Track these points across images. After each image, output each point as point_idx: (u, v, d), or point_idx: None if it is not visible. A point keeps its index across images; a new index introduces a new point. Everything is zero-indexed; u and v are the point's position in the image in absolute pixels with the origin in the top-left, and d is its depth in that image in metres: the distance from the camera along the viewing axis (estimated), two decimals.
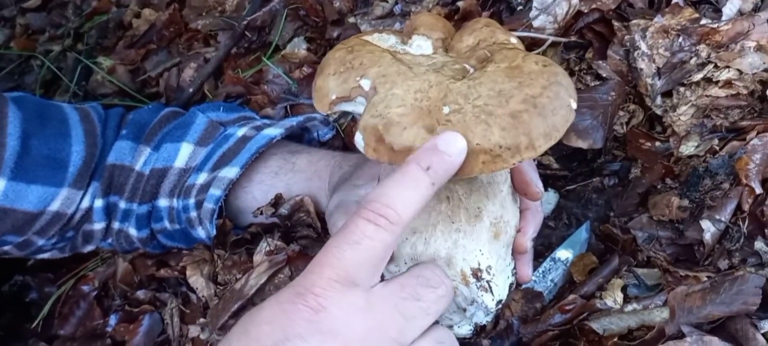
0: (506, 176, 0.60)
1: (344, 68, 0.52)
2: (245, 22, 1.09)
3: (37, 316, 0.92)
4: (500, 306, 0.64)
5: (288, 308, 0.47)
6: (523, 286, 0.70)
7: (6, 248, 0.83)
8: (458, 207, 0.59)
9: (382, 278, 0.63)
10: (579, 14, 0.83)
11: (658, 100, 0.73)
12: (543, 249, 0.74)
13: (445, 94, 0.49)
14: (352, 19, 1.02)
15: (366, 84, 0.51)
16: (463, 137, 0.46)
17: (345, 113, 0.56)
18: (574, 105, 0.49)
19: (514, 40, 0.55)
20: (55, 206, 0.81)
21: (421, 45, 0.55)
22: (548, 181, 0.80)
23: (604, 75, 0.79)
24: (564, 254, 0.73)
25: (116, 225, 0.87)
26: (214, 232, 0.78)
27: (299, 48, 1.05)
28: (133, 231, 0.86)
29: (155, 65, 1.13)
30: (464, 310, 0.63)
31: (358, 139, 0.51)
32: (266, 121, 0.90)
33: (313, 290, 0.47)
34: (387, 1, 1.00)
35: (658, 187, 0.69)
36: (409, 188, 0.47)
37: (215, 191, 0.78)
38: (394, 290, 0.50)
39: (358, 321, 0.47)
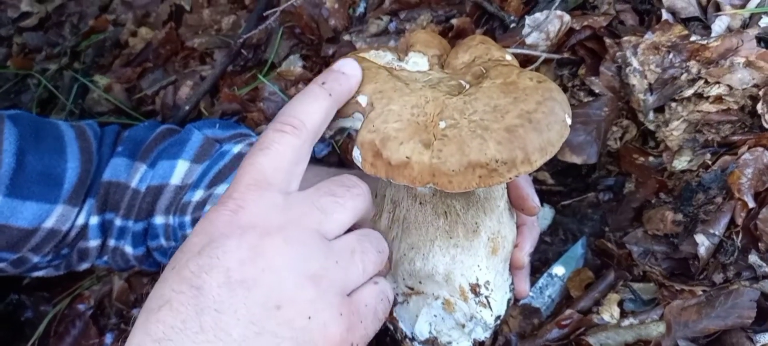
0: (503, 192, 0.60)
1: None
2: (241, 41, 1.10)
3: (33, 335, 0.92)
4: (499, 322, 0.64)
5: (211, 216, 0.52)
6: (521, 302, 0.71)
7: (1, 265, 0.82)
8: (456, 222, 0.59)
9: None
10: (571, 31, 0.85)
11: (651, 115, 0.74)
12: (540, 265, 0.74)
13: (441, 109, 0.50)
14: (347, 37, 1.03)
15: (363, 100, 0.52)
16: (355, 61, 0.55)
17: (342, 130, 0.56)
18: (568, 120, 0.50)
19: (508, 57, 0.55)
20: (49, 223, 0.80)
21: (417, 61, 0.56)
22: (544, 196, 0.81)
23: (597, 91, 0.80)
24: (560, 269, 0.73)
25: (112, 242, 0.86)
26: None
27: (295, 65, 1.06)
28: (129, 249, 0.86)
29: (151, 83, 1.14)
30: (463, 326, 0.63)
31: (356, 155, 0.51)
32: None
33: (232, 195, 0.52)
34: (381, 19, 1.01)
35: (652, 201, 0.70)
36: (309, 101, 0.55)
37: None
38: (310, 191, 0.54)
39: (276, 215, 0.52)
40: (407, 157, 0.49)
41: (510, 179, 0.48)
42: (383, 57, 0.56)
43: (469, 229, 0.59)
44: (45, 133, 0.83)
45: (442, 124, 0.49)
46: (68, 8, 1.44)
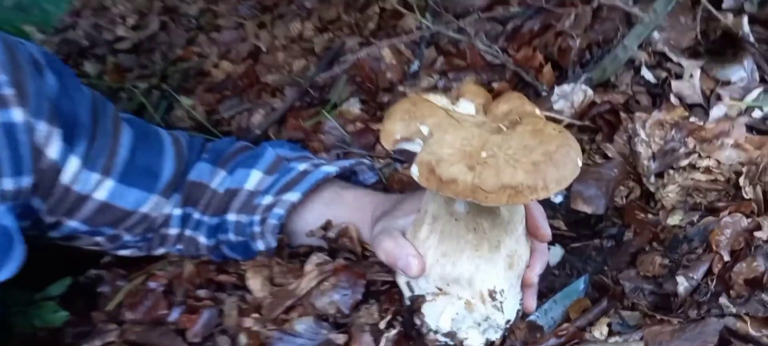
0: (522, 218, 0.75)
1: (408, 116, 0.69)
2: (310, 82, 1.29)
3: (106, 306, 1.07)
4: (508, 326, 0.78)
5: None
6: (528, 318, 0.84)
7: (99, 239, 0.99)
8: (483, 238, 0.74)
9: (411, 289, 0.78)
10: (593, 103, 1.01)
11: (652, 179, 0.88)
12: (547, 292, 0.88)
13: (484, 143, 0.65)
14: (401, 88, 1.21)
15: (424, 129, 0.68)
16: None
17: (405, 151, 0.71)
18: (579, 163, 0.65)
19: (538, 112, 0.71)
20: (145, 209, 0.97)
21: (466, 106, 0.72)
22: (557, 239, 0.95)
23: (610, 155, 0.95)
24: (564, 297, 0.86)
25: (188, 232, 1.03)
26: (275, 244, 0.94)
27: (354, 107, 1.23)
28: (202, 239, 1.02)
29: (229, 108, 1.32)
30: (479, 325, 0.77)
31: (414, 170, 0.67)
32: (323, 160, 1.07)
33: None
34: (432, 77, 1.19)
35: (646, 249, 0.83)
36: None
37: (279, 210, 0.95)
38: None
39: None
40: (455, 176, 0.64)
41: (531, 199, 0.63)
42: (440, 100, 0.73)
43: (492, 244, 0.74)
44: (150, 136, 1.01)
45: (484, 154, 0.65)
46: (159, 37, 1.66)
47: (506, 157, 0.64)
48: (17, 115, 0.78)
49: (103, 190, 0.91)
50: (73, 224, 0.92)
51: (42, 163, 0.83)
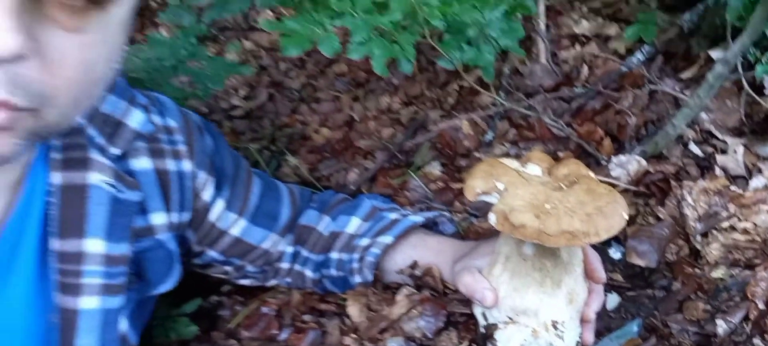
0: (580, 262, 0.91)
1: (487, 175, 0.88)
2: (397, 147, 1.50)
3: (226, 326, 1.29)
4: None
5: None
6: None
7: (228, 268, 1.21)
8: (546, 276, 0.90)
9: (485, 318, 0.94)
10: (647, 173, 1.16)
11: (698, 238, 1.02)
12: (604, 331, 1.02)
13: (547, 197, 0.83)
14: (477, 155, 1.40)
15: (500, 186, 0.86)
16: None
17: (484, 202, 0.90)
18: (625, 215, 0.82)
19: (592, 175, 0.89)
20: (266, 245, 1.18)
21: (533, 169, 0.90)
22: (615, 288, 1.09)
23: (661, 217, 1.09)
24: (618, 337, 1.00)
25: (297, 267, 1.23)
26: (371, 278, 1.13)
27: (435, 169, 1.43)
28: (308, 273, 1.23)
29: (328, 167, 1.55)
30: None
31: (491, 217, 0.85)
32: (409, 212, 1.27)
33: None
34: (505, 146, 1.38)
35: (692, 297, 0.97)
36: None
37: (375, 250, 1.14)
38: None
39: None
40: (524, 222, 0.82)
41: (585, 243, 0.79)
42: (512, 163, 0.91)
43: (554, 282, 0.90)
44: (272, 186, 1.23)
45: (547, 206, 0.82)
46: (267, 107, 1.93)
47: (565, 209, 0.81)
48: (187, 165, 1.02)
49: (237, 227, 1.14)
50: (212, 253, 1.15)
51: (198, 203, 1.06)
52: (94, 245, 0.86)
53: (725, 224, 0.99)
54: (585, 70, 1.55)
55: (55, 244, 0.83)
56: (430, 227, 1.22)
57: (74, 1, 0.56)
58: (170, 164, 0.98)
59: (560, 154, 1.24)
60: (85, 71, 0.61)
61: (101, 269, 0.87)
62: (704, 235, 1.02)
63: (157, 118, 0.98)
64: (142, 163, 0.94)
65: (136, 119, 0.92)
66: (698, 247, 1.02)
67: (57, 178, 0.83)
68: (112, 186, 0.86)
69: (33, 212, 0.82)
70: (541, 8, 1.61)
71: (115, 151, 0.89)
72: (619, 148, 1.25)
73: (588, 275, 0.93)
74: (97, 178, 0.85)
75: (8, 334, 0.84)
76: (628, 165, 1.15)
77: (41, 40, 0.56)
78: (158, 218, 0.97)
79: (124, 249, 0.90)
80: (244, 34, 2.38)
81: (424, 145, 1.48)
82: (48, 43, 0.57)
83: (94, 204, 0.85)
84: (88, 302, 0.86)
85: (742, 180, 1.07)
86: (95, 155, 0.85)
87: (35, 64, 0.56)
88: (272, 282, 1.27)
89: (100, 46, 0.62)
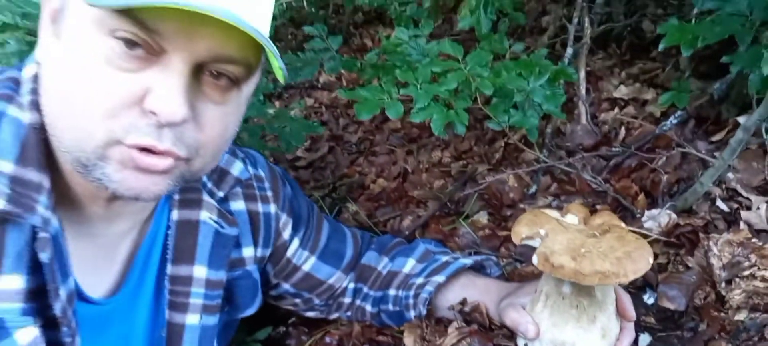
0: (612, 301, 1.03)
1: (531, 223, 1.02)
2: (448, 197, 1.66)
3: None
4: None
5: None
6: None
7: (297, 300, 1.37)
8: (583, 313, 1.03)
9: None
10: (677, 225, 1.28)
11: (723, 285, 1.13)
12: None
13: (583, 243, 0.97)
14: (521, 206, 1.55)
15: (542, 232, 1.01)
16: None
17: (528, 246, 1.04)
18: (651, 260, 0.95)
19: (622, 225, 1.02)
20: (332, 280, 1.35)
21: (571, 219, 1.05)
22: (647, 329, 1.20)
23: (690, 265, 1.21)
24: None
25: (358, 302, 1.39)
26: (425, 313, 1.28)
27: (483, 218, 1.58)
28: (368, 307, 1.38)
29: (384, 214, 1.71)
30: None
31: (535, 259, 0.99)
32: (459, 255, 1.41)
33: None
34: (547, 198, 1.52)
35: (716, 337, 1.07)
36: None
37: (429, 288, 1.28)
38: None
39: None
40: (562, 263, 0.96)
41: (614, 283, 0.93)
42: (553, 213, 1.06)
43: (590, 318, 1.02)
44: (338, 229, 1.40)
45: (583, 250, 0.96)
46: (328, 158, 2.13)
47: (598, 253, 0.95)
48: (272, 208, 1.20)
49: (309, 263, 1.31)
50: (286, 286, 1.32)
51: (279, 241, 1.24)
52: (200, 271, 1.04)
53: (747, 273, 1.10)
54: (622, 131, 1.69)
55: (170, 269, 1.02)
56: (478, 269, 1.36)
57: (221, 83, 0.77)
58: (260, 207, 1.17)
59: (598, 207, 1.37)
60: (222, 132, 0.81)
61: (203, 291, 1.05)
62: (728, 282, 1.12)
63: (250, 168, 1.17)
64: (238, 205, 1.13)
65: (236, 168, 1.12)
66: (723, 293, 1.13)
67: (175, 215, 1.02)
68: (217, 223, 1.05)
69: (157, 241, 1.01)
70: (582, 74, 1.77)
71: (220, 193, 1.08)
72: (652, 202, 1.37)
73: (620, 313, 1.05)
74: (206, 215, 1.04)
75: None
76: (659, 218, 1.28)
77: (197, 109, 0.76)
78: (248, 252, 1.15)
79: (221, 275, 1.08)
80: (307, 92, 2.62)
81: (472, 196, 1.64)
82: (201, 112, 0.77)
83: (203, 237, 1.03)
84: (192, 319, 1.04)
85: (764, 234, 1.18)
86: (205, 197, 1.04)
87: (192, 126, 0.76)
88: (335, 315, 1.42)
89: (234, 115, 0.82)
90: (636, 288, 1.27)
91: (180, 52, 0.72)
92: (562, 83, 1.55)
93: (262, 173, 1.20)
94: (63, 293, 0.80)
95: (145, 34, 0.70)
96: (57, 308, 0.79)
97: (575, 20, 1.77)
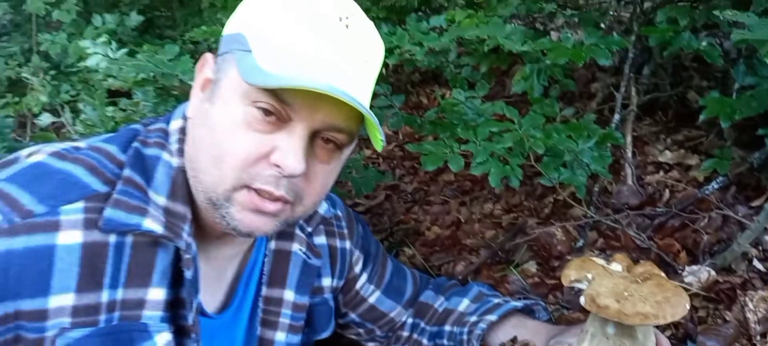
0: (652, 339, 1.14)
1: (580, 268, 1.15)
2: (499, 247, 1.79)
3: None
4: None
5: None
6: None
7: (361, 330, 1.51)
8: None
9: None
10: (716, 282, 1.38)
11: (758, 338, 1.22)
12: None
13: (626, 287, 1.09)
14: (568, 257, 1.66)
15: (589, 276, 1.14)
16: None
17: (576, 288, 1.17)
18: (687, 306, 1.06)
19: (662, 274, 1.14)
20: (393, 314, 1.49)
21: (616, 267, 1.17)
22: None
23: (727, 319, 1.30)
24: None
25: (415, 336, 1.52)
26: None
27: (531, 267, 1.70)
28: (424, 341, 1.50)
29: (438, 259, 1.85)
30: None
31: (582, 299, 1.12)
32: (510, 299, 1.54)
33: None
34: (594, 252, 1.63)
35: None
36: None
37: (482, 325, 1.41)
38: None
39: None
40: (607, 304, 1.08)
41: (653, 323, 1.04)
42: (600, 261, 1.19)
43: None
44: (400, 268, 1.55)
45: (626, 294, 1.09)
46: (385, 206, 2.30)
47: (640, 296, 1.07)
48: (347, 245, 1.37)
49: (374, 296, 1.46)
50: (352, 315, 1.47)
51: (350, 274, 1.40)
52: (289, 295, 1.21)
53: None
54: (666, 193, 1.80)
55: (265, 291, 1.19)
56: (528, 312, 1.48)
57: (329, 146, 0.96)
58: (338, 242, 1.34)
59: (641, 261, 1.48)
60: (323, 186, 0.99)
61: (290, 312, 1.21)
62: (763, 335, 1.22)
63: (331, 208, 1.35)
64: (321, 239, 1.30)
65: (323, 208, 1.29)
66: (758, 345, 1.22)
67: (273, 244, 1.20)
68: (305, 253, 1.22)
69: (257, 266, 1.19)
70: (629, 139, 1.90)
71: (309, 229, 1.25)
72: (693, 260, 1.47)
73: None
74: (297, 247, 1.21)
75: None
76: (699, 274, 1.38)
77: (308, 166, 0.94)
78: (327, 281, 1.32)
79: (305, 300, 1.24)
80: (366, 142, 2.81)
81: (522, 246, 1.76)
82: (311, 168, 0.95)
83: (293, 265, 1.20)
84: (280, 336, 1.20)
85: None
86: (297, 231, 1.22)
87: (302, 178, 0.94)
88: None
89: (334, 172, 1.01)
90: (678, 339, 1.37)
91: (303, 121, 0.90)
92: (610, 146, 1.69)
93: (340, 213, 1.37)
94: (195, 306, 0.98)
95: (279, 106, 0.89)
96: (190, 318, 0.97)
97: (622, 88, 1.92)
